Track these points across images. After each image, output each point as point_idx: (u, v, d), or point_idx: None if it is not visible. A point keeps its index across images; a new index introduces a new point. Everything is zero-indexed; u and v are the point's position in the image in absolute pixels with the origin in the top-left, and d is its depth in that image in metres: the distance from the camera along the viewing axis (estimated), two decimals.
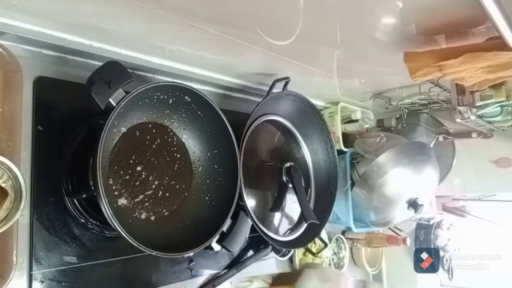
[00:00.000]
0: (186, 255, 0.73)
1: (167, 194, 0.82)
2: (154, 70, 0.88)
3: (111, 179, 0.74)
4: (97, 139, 0.63)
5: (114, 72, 0.68)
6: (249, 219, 0.91)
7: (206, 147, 0.88)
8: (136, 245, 0.64)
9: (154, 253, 0.66)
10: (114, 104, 0.66)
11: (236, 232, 0.84)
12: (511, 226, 1.63)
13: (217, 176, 0.87)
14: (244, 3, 0.64)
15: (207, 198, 0.86)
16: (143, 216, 0.78)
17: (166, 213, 0.82)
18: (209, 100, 0.81)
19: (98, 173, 0.62)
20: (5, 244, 0.64)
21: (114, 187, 0.75)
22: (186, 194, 0.86)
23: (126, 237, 0.63)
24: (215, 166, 0.88)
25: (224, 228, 0.81)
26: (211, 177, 0.87)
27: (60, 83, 0.76)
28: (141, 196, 0.78)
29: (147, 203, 0.79)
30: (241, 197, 0.88)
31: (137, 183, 0.78)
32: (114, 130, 0.76)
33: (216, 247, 0.93)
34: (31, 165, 0.70)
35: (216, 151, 0.87)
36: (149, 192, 0.80)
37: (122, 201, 0.75)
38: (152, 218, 0.79)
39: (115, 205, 0.74)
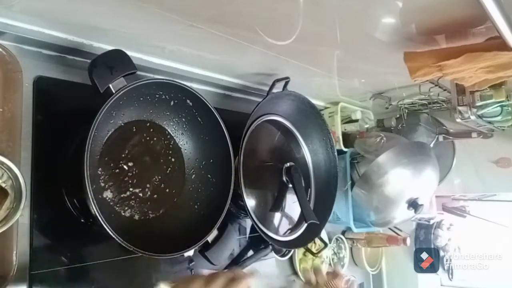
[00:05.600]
0: (164, 257, 0.71)
1: (155, 196, 0.81)
2: (154, 70, 0.88)
3: (100, 169, 0.74)
4: (91, 122, 0.62)
5: (118, 59, 0.68)
6: (236, 232, 0.91)
7: (202, 156, 0.87)
8: (115, 237, 0.63)
9: (132, 249, 0.64)
10: (114, 91, 0.66)
11: (221, 244, 0.83)
12: (511, 226, 1.63)
13: (209, 186, 0.86)
14: (244, 3, 0.64)
15: (196, 206, 0.85)
16: (127, 214, 0.77)
17: (151, 215, 0.80)
18: (210, 107, 0.80)
19: (87, 155, 0.61)
20: (5, 244, 0.63)
21: (101, 178, 0.74)
22: (176, 199, 0.84)
23: (104, 225, 0.62)
24: (209, 175, 0.86)
25: (210, 238, 0.80)
26: (203, 186, 0.86)
27: (60, 83, 0.76)
28: (128, 193, 0.77)
29: (133, 201, 0.78)
30: (241, 197, 0.88)
31: (126, 178, 0.77)
32: (111, 121, 0.76)
33: None
34: (31, 165, 0.70)
35: (212, 161, 0.86)
36: (137, 190, 0.79)
37: (108, 194, 0.75)
38: (136, 217, 0.78)
39: (99, 196, 0.73)
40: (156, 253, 0.69)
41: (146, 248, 0.67)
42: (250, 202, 0.97)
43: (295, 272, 1.22)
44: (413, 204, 1.15)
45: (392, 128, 1.39)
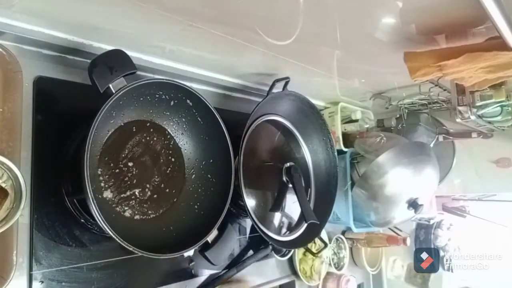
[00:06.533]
0: (164, 257, 0.72)
1: (155, 196, 0.81)
2: (154, 70, 0.88)
3: (100, 169, 0.74)
4: (91, 122, 0.63)
5: (118, 59, 0.69)
6: (236, 232, 0.91)
7: (202, 156, 0.87)
8: (115, 237, 0.63)
9: (132, 248, 0.64)
10: (114, 91, 0.66)
11: (221, 244, 0.83)
12: (511, 226, 1.63)
13: (209, 186, 0.85)
14: (244, 3, 0.64)
15: (196, 206, 0.84)
16: (127, 214, 0.77)
17: (151, 215, 0.80)
18: (210, 107, 0.80)
19: (87, 155, 0.61)
20: (5, 244, 0.64)
21: (101, 178, 0.74)
22: (176, 199, 0.84)
23: (104, 226, 0.62)
24: (209, 176, 0.86)
25: (209, 238, 0.80)
26: (203, 186, 0.86)
27: (60, 83, 0.76)
28: (128, 193, 0.77)
29: (133, 201, 0.78)
30: (241, 197, 0.88)
31: (126, 178, 0.77)
32: (111, 121, 0.76)
33: None
34: (31, 165, 0.70)
35: (212, 161, 0.86)
36: (137, 191, 0.79)
37: (108, 194, 0.75)
38: (136, 217, 0.78)
39: (99, 196, 0.73)
40: (156, 253, 0.69)
41: (146, 248, 0.67)
42: (250, 202, 0.97)
43: (295, 272, 1.22)
44: (413, 204, 1.15)
45: (392, 128, 1.39)
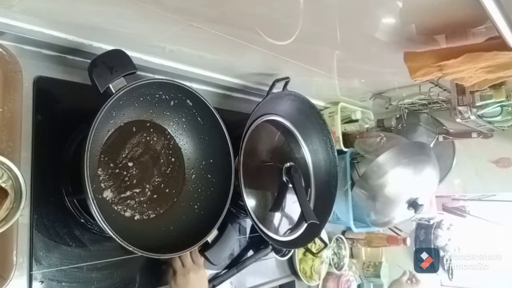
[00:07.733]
0: (164, 257, 0.71)
1: (155, 196, 0.81)
2: (154, 70, 0.88)
3: (100, 169, 0.74)
4: (91, 122, 0.63)
5: (118, 59, 0.69)
6: (236, 232, 0.91)
7: (202, 156, 0.87)
8: (115, 237, 0.63)
9: (132, 248, 0.64)
10: (114, 91, 0.66)
11: (221, 244, 0.83)
12: (511, 226, 1.63)
13: (209, 186, 0.85)
14: (244, 3, 0.64)
15: (196, 206, 0.84)
16: (127, 214, 0.77)
17: (151, 215, 0.80)
18: (210, 107, 0.80)
19: (87, 155, 0.61)
20: (5, 244, 0.64)
21: (101, 178, 0.74)
22: (176, 199, 0.84)
23: (104, 226, 0.62)
24: (209, 175, 0.86)
25: (210, 238, 0.80)
26: (203, 186, 0.86)
27: (60, 83, 0.76)
28: (128, 193, 0.77)
29: (133, 201, 0.78)
30: (241, 197, 0.88)
31: (126, 178, 0.78)
32: (111, 121, 0.76)
33: None
34: (31, 165, 0.70)
35: (211, 161, 0.86)
36: (137, 190, 0.79)
37: (108, 194, 0.75)
38: (136, 217, 0.78)
39: (99, 196, 0.73)
40: (156, 253, 0.69)
41: (146, 248, 0.67)
42: (250, 202, 0.97)
43: (295, 272, 1.22)
44: (413, 204, 1.15)
45: (392, 128, 1.39)
